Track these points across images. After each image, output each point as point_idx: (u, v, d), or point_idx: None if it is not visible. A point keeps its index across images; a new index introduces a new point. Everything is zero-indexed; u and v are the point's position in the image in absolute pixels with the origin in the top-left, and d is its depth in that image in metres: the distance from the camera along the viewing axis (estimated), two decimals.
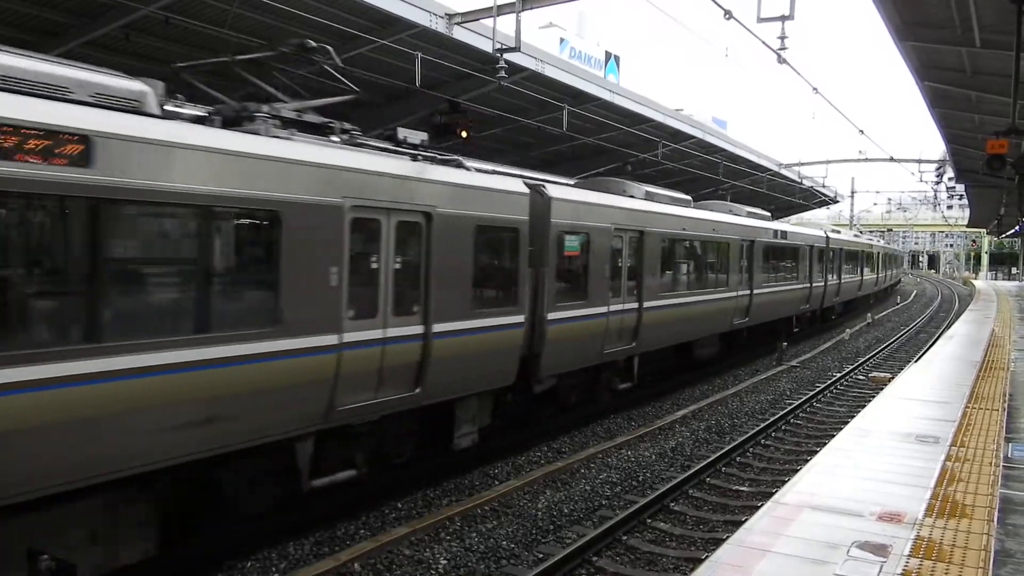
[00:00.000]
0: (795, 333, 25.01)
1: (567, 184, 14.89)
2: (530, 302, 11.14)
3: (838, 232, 33.82)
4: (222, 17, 12.94)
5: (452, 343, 9.37)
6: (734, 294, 19.20)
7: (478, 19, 15.13)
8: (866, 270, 38.43)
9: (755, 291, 20.52)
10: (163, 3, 12.21)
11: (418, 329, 8.93)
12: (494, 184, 10.32)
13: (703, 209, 18.82)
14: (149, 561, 7.25)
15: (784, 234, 23.58)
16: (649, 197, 15.53)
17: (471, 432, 10.42)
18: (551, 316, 11.52)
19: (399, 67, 16.03)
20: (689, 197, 17.88)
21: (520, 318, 10.77)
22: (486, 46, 15.03)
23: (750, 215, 21.69)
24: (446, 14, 14.97)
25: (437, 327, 9.10)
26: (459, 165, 10.09)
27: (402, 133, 9.62)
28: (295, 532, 8.46)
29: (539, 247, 11.32)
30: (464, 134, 17.45)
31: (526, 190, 10.95)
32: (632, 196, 15.04)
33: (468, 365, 9.76)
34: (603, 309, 12.99)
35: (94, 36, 13.22)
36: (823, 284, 28.13)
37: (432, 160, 9.65)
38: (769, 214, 23.59)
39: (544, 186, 11.78)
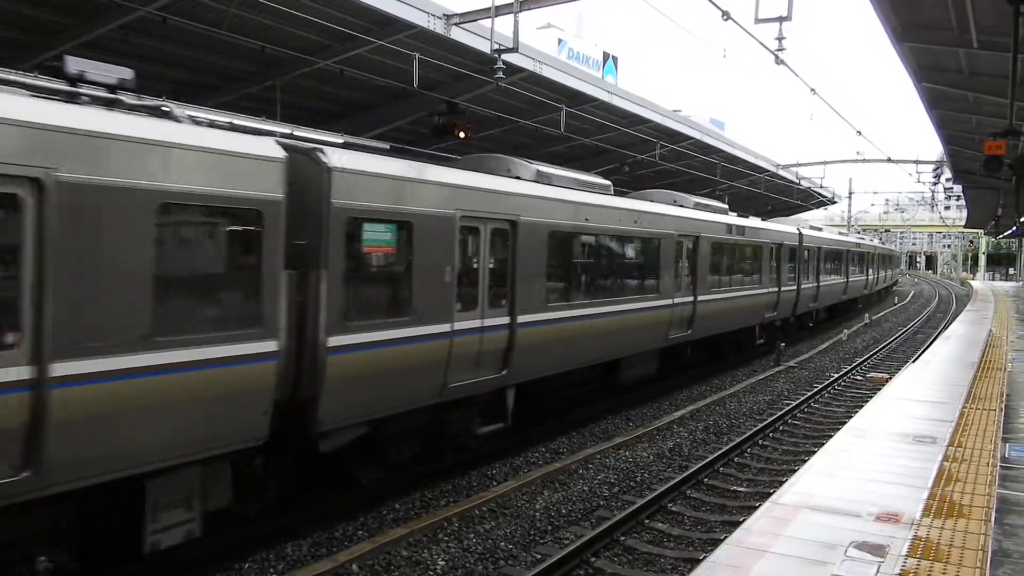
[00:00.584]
0: (760, 345, 22.32)
1: (388, 153, 11.16)
2: (293, 321, 7.67)
3: (819, 229, 31.10)
4: (220, 18, 12.95)
5: (107, 392, 6.07)
6: (669, 302, 15.66)
7: (476, 20, 15.14)
8: (853, 272, 35.34)
9: (700, 298, 17.08)
10: (160, 4, 12.22)
11: (19, 373, 5.60)
12: (203, 141, 6.78)
13: (639, 199, 16.26)
14: (145, 561, 7.24)
15: (742, 229, 20.06)
16: (541, 179, 12.20)
17: (186, 520, 6.97)
18: (336, 341, 7.96)
19: (397, 68, 16.04)
20: (608, 183, 14.63)
21: (270, 345, 7.31)
22: (484, 47, 15.04)
23: (698, 207, 18.36)
24: (444, 15, 14.98)
25: (66, 368, 5.77)
26: (167, 115, 6.95)
27: (77, 65, 6.52)
28: (293, 533, 8.45)
29: (311, 240, 7.90)
30: (462, 135, 17.55)
31: (277, 153, 7.40)
32: (519, 177, 11.80)
33: (153, 424, 6.41)
34: (443, 327, 9.46)
35: (92, 36, 13.22)
36: (795, 288, 24.95)
37: (131, 108, 6.67)
38: (726, 207, 20.68)
39: (321, 151, 8.05)
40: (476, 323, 10.14)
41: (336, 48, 15.37)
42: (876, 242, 50.60)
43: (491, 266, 10.51)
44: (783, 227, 25.08)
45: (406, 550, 8.20)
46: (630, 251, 14.65)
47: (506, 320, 10.71)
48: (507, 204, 10.75)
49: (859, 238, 42.98)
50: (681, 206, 17.50)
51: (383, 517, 9.15)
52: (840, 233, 38.93)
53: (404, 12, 14.23)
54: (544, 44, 29.77)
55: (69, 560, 6.47)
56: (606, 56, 47.12)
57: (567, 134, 21.72)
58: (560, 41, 43.89)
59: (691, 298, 16.76)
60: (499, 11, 14.10)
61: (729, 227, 19.23)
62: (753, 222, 22.27)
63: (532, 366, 11.40)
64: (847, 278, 33.80)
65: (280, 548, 8.11)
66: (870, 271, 41.01)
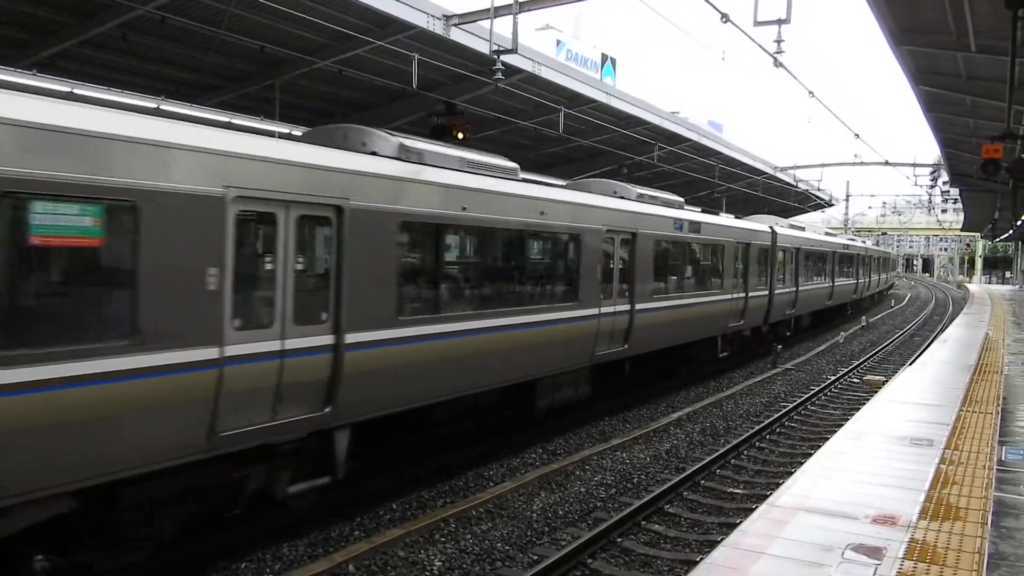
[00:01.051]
0: (723, 358, 20.10)
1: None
2: None
3: (800, 228, 28.43)
4: (219, 17, 12.95)
5: None
6: (594, 312, 12.95)
7: (475, 20, 15.18)
8: (840, 275, 32.49)
9: (640, 306, 14.38)
10: (159, 3, 12.22)
11: None
12: None
13: (574, 189, 14.16)
14: (142, 561, 7.23)
15: (697, 226, 17.17)
16: (406, 155, 9.55)
17: None
18: None
19: (396, 68, 16.06)
20: (515, 166, 11.77)
21: None
22: (483, 48, 15.09)
23: (642, 199, 15.57)
24: (443, 15, 15.02)
25: None
26: None
27: None
28: (289, 533, 8.44)
29: None
30: (460, 135, 17.56)
31: None
32: (375, 153, 9.29)
33: None
34: (204, 353, 6.79)
35: (91, 35, 13.23)
36: (767, 293, 22.17)
37: None
38: (682, 200, 17.72)
39: None
40: (271, 346, 7.44)
41: (335, 48, 15.39)
42: (870, 244, 50.07)
43: (300, 267, 7.87)
44: (752, 224, 22.34)
45: (403, 550, 8.20)
46: (534, 250, 12.03)
47: (329, 340, 8.03)
48: (327, 183, 7.97)
49: (849, 239, 40.82)
50: (622, 197, 14.92)
51: (380, 517, 9.14)
52: (828, 233, 36.56)
53: (403, 12, 14.26)
54: (543, 45, 29.78)
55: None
56: (604, 57, 47.16)
57: (566, 135, 21.74)
58: (559, 42, 43.92)
59: (627, 307, 14.11)
60: (498, 12, 14.13)
61: (679, 223, 16.41)
62: (712, 218, 19.57)
63: (376, 398, 8.78)
64: (833, 282, 31.02)
65: (277, 548, 8.11)
66: (861, 274, 38.10)
